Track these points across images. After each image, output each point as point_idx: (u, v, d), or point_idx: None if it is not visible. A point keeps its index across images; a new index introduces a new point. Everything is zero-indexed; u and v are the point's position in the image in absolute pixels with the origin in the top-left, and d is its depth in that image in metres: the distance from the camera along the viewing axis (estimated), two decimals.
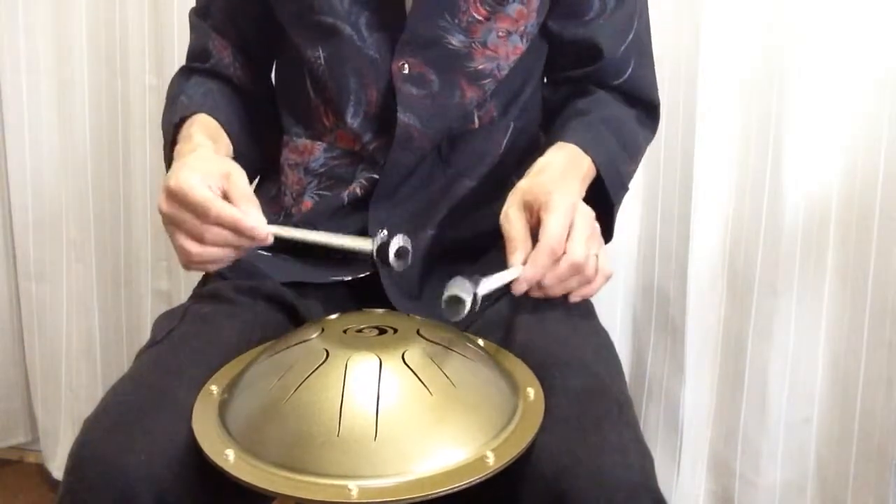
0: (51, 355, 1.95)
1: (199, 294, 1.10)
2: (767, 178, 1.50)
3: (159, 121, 1.74)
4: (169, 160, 1.12)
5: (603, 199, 1.10)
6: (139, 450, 0.71)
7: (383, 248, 0.99)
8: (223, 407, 0.84)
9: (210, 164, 0.98)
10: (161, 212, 0.96)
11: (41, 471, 2.02)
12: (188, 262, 0.97)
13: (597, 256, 0.95)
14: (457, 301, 0.85)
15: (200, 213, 0.92)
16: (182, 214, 0.94)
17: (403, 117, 1.08)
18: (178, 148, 1.07)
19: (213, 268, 0.99)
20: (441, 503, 0.79)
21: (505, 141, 1.15)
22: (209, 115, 1.12)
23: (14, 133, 1.85)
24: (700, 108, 1.50)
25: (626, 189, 1.16)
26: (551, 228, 0.92)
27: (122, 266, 1.89)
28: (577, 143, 1.07)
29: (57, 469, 1.95)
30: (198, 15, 1.23)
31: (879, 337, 1.49)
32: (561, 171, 1.03)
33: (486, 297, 0.89)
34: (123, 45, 1.77)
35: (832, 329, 1.54)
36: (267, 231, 0.94)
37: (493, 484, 0.76)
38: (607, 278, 0.98)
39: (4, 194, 1.91)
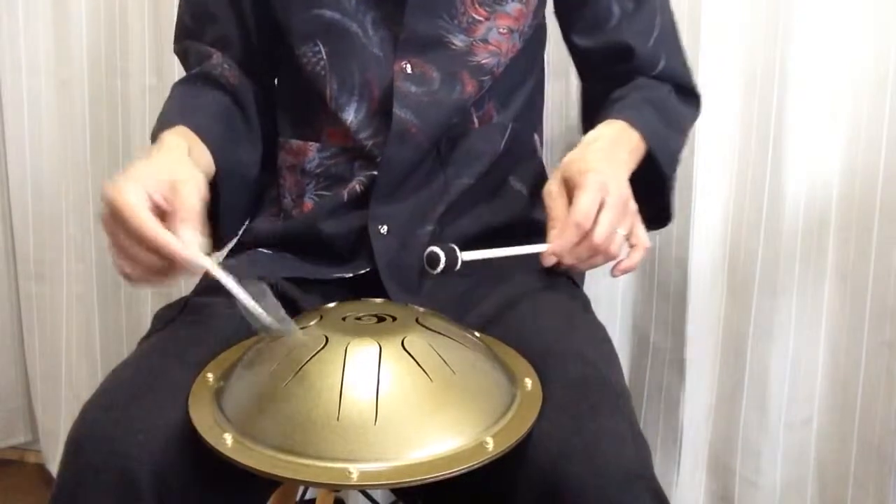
0: (51, 355, 1.95)
1: (200, 287, 1.10)
2: (767, 178, 1.49)
3: None
4: None
5: (655, 177, 1.12)
6: (138, 429, 0.71)
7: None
8: (220, 393, 0.84)
9: (158, 169, 0.90)
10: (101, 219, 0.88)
11: (41, 471, 2.03)
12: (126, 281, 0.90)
13: (630, 232, 0.99)
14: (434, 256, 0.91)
15: (134, 235, 0.83)
16: (116, 231, 0.85)
17: (400, 112, 1.09)
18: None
19: (152, 287, 0.93)
20: (438, 490, 0.79)
21: (503, 142, 1.16)
22: (183, 124, 1.08)
23: (14, 133, 1.86)
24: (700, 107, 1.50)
25: (677, 163, 1.18)
26: (579, 205, 0.94)
27: None
28: (625, 120, 1.09)
29: (57, 469, 1.94)
30: (187, 38, 1.21)
31: (879, 337, 1.49)
32: (610, 142, 1.05)
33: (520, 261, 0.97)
34: (123, 45, 1.78)
35: (832, 329, 1.54)
36: (203, 264, 0.84)
37: (490, 472, 0.76)
38: (646, 250, 1.02)
39: (4, 194, 1.91)
